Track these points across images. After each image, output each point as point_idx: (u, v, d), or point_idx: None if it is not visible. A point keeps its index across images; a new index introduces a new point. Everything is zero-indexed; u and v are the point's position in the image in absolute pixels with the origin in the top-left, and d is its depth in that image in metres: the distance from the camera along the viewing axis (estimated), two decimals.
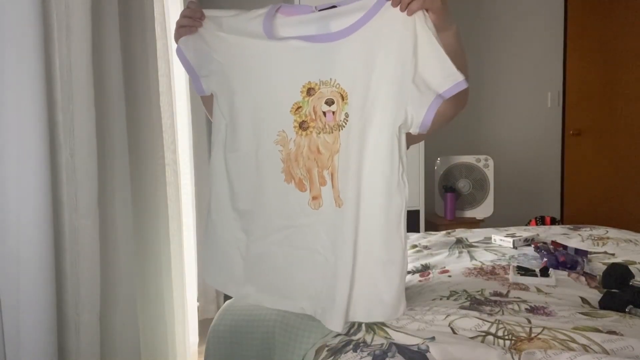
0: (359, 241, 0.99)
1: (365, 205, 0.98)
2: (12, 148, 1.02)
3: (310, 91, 1.01)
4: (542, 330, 1.02)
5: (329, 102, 0.99)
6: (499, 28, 3.65)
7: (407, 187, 0.98)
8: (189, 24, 1.08)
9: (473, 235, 2.02)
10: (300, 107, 1.02)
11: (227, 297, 2.47)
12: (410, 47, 0.92)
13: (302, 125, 1.02)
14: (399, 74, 0.93)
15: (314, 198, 1.03)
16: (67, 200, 1.15)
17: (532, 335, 1.00)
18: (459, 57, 0.98)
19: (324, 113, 1.00)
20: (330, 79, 1.00)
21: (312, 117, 1.01)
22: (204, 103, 1.23)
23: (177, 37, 1.10)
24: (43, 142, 1.04)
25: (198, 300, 2.50)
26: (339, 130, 0.99)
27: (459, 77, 0.92)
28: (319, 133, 1.01)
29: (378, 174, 0.97)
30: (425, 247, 1.87)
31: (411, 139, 1.03)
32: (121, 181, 1.35)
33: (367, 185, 0.98)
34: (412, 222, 3.02)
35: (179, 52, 1.11)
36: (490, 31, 3.64)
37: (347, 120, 0.98)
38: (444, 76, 0.92)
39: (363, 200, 0.98)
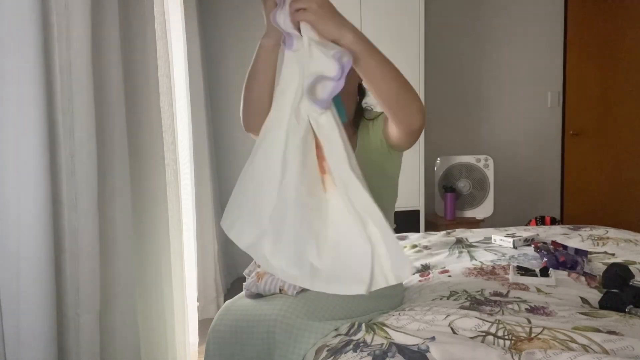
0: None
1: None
2: (12, 148, 1.02)
3: None
4: (542, 330, 1.02)
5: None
6: (499, 28, 3.65)
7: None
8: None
9: (473, 235, 2.02)
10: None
11: (227, 297, 2.46)
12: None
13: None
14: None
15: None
16: (67, 200, 1.15)
17: (532, 335, 1.00)
18: (383, 65, 0.95)
19: None
20: None
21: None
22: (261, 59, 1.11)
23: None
24: (43, 142, 1.04)
25: (198, 300, 2.49)
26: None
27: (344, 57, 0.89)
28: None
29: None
30: (425, 247, 1.87)
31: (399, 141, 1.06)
32: (121, 181, 1.35)
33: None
34: (412, 222, 3.02)
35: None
36: (490, 31, 3.64)
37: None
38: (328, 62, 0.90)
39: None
